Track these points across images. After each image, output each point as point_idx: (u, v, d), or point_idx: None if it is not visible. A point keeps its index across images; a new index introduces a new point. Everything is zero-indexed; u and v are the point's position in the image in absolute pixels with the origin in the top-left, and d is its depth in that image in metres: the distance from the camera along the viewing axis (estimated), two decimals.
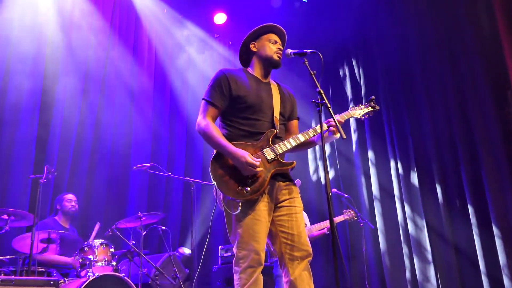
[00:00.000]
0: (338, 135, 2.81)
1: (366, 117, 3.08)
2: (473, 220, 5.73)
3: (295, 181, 4.74)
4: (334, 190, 5.93)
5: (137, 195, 6.70)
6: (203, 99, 2.87)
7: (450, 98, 6.25)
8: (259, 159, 2.66)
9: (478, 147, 5.79)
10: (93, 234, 5.14)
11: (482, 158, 5.71)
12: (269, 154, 2.72)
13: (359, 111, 3.04)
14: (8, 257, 4.35)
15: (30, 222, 4.45)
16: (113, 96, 6.80)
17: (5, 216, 4.33)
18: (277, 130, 2.81)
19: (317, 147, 7.67)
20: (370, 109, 3.06)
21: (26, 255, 4.20)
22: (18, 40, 5.80)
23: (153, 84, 7.39)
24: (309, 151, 8.11)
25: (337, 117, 2.89)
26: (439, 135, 6.39)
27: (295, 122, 3.07)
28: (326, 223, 5.46)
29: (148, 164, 5.43)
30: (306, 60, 2.79)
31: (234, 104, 2.82)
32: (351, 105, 3.13)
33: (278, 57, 2.94)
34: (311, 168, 8.12)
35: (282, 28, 3.02)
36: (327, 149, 7.63)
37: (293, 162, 2.79)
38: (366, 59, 7.69)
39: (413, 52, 6.87)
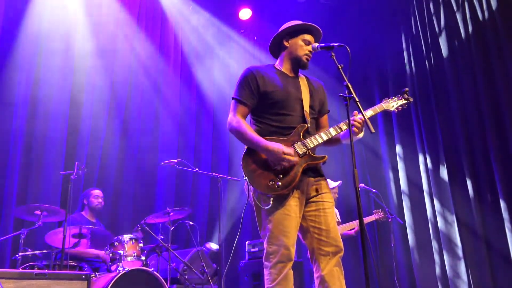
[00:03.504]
0: (361, 135, 2.77)
1: (400, 109, 3.01)
2: (505, 215, 5.61)
3: (337, 183, 4.71)
4: (362, 185, 5.86)
5: (165, 191, 6.77)
6: (232, 98, 2.88)
7: (481, 89, 6.11)
8: (293, 149, 2.66)
9: (510, 140, 5.65)
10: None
11: None
12: (300, 148, 2.71)
13: (392, 104, 2.98)
14: (42, 251, 4.46)
15: (62, 217, 4.56)
16: (140, 92, 6.88)
17: (38, 212, 4.44)
18: (308, 125, 2.80)
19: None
20: (404, 101, 3.00)
21: (59, 250, 4.29)
22: (48, 38, 5.92)
23: (180, 80, 7.44)
24: None
25: (369, 110, 2.86)
26: (469, 127, 6.25)
27: (325, 116, 3.05)
28: (355, 224, 5.41)
29: (175, 160, 5.47)
30: (333, 54, 2.75)
31: (263, 100, 2.83)
32: (385, 99, 3.05)
33: (307, 59, 2.92)
34: (337, 163, 8.06)
35: (320, 29, 2.98)
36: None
37: (324, 156, 2.77)
38: (394, 53, 7.57)
39: (442, 43, 6.74)
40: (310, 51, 2.93)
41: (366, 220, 5.53)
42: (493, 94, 5.97)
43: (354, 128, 2.73)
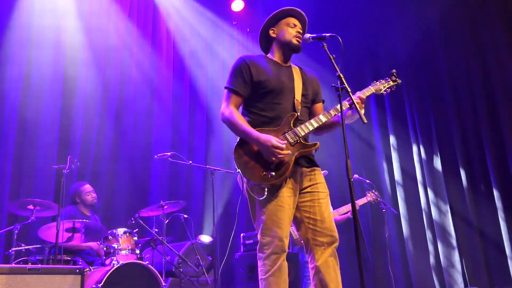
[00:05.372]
0: (362, 111, 2.74)
1: (388, 91, 2.98)
2: (498, 204, 5.64)
3: (322, 172, 4.69)
4: (356, 176, 5.87)
5: (159, 184, 6.75)
6: (225, 87, 2.86)
7: (475, 79, 6.12)
8: (284, 142, 2.64)
9: (504, 130, 5.68)
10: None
11: (508, 141, 5.59)
12: (291, 137, 2.69)
13: (380, 86, 2.95)
14: (35, 246, 4.43)
15: (55, 212, 4.52)
16: (133, 86, 6.83)
17: (31, 206, 4.41)
18: (298, 113, 2.78)
19: (338, 132, 7.60)
20: (392, 83, 2.97)
21: (52, 244, 4.28)
22: (39, 33, 5.86)
23: (172, 74, 7.40)
24: (330, 136, 8.03)
25: (358, 93, 2.83)
26: (463, 118, 6.27)
27: (320, 105, 3.01)
28: (349, 207, 5.41)
29: (169, 153, 5.45)
30: (325, 44, 2.73)
31: (255, 90, 2.81)
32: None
33: (298, 41, 2.89)
34: (332, 153, 8.06)
35: (301, 11, 2.97)
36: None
37: (316, 143, 2.76)
38: (388, 42, 7.56)
39: (435, 32, 6.74)
40: (298, 32, 2.90)
41: (359, 202, 5.52)
42: (487, 84, 5.98)
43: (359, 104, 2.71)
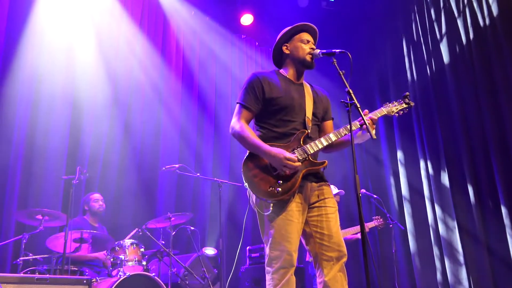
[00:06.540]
0: (373, 131, 2.75)
1: (401, 113, 2.97)
2: (506, 221, 5.60)
3: (339, 191, 4.73)
4: (363, 190, 5.87)
5: (166, 196, 6.76)
6: (237, 102, 2.88)
7: (482, 95, 6.12)
8: (296, 155, 2.66)
9: (511, 145, 5.65)
10: (128, 236, 5.20)
11: None
12: (300, 154, 2.70)
13: (393, 108, 2.95)
14: (43, 256, 4.45)
15: (63, 222, 4.56)
16: (142, 97, 6.89)
17: (40, 216, 4.44)
18: (309, 131, 2.79)
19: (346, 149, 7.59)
20: (405, 105, 2.96)
21: (60, 254, 4.29)
22: (50, 42, 5.93)
23: (181, 86, 7.45)
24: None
25: (370, 115, 2.83)
26: (471, 133, 6.25)
27: (329, 123, 3.03)
28: (359, 228, 5.43)
29: (176, 165, 5.48)
30: (334, 60, 2.75)
31: (267, 106, 2.83)
32: (387, 103, 3.03)
33: (311, 58, 2.91)
34: (338, 168, 8.06)
35: (314, 26, 2.99)
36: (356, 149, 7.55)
37: (324, 162, 2.76)
38: (395, 58, 7.59)
39: (443, 49, 6.75)
40: (312, 48, 2.92)
41: (369, 225, 5.56)
42: (494, 99, 5.97)
43: (370, 125, 2.70)
